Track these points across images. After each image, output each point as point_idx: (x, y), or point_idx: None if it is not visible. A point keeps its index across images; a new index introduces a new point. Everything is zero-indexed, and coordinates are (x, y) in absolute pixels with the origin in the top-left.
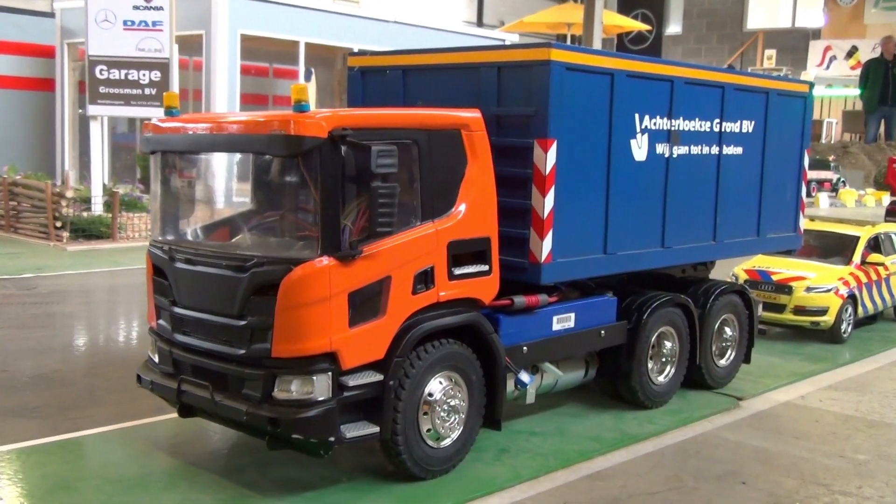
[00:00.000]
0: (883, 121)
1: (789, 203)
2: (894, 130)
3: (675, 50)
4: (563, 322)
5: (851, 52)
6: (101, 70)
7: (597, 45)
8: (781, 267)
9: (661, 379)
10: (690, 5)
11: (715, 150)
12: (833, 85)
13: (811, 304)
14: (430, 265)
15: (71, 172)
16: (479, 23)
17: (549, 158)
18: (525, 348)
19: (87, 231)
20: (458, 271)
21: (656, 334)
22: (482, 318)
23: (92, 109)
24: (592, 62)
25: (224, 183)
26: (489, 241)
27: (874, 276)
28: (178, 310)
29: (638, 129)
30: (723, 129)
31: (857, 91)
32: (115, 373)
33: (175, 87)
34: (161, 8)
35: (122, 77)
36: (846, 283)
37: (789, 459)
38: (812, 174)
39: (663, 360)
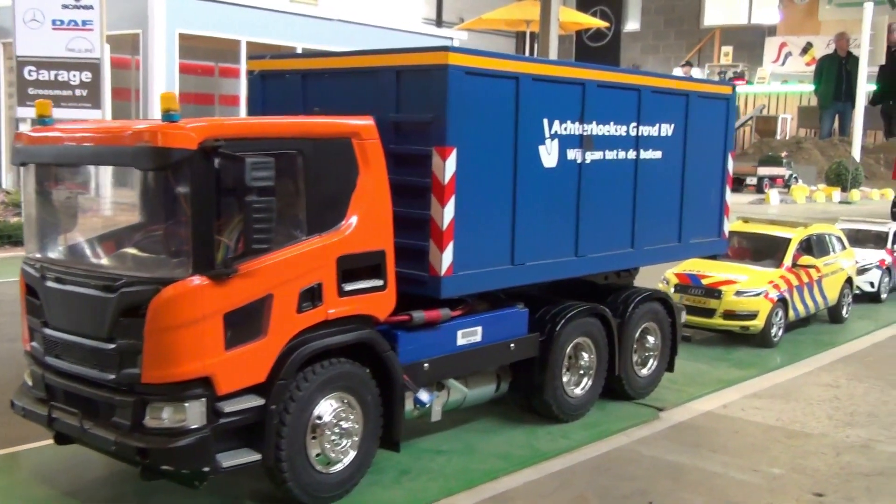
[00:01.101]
0: (837, 116)
1: (713, 207)
2: (848, 126)
3: (634, 46)
4: (469, 336)
5: (806, 49)
6: (31, 71)
7: (553, 42)
8: (713, 270)
9: (577, 391)
10: (648, 2)
11: (632, 154)
12: (788, 81)
13: (740, 308)
14: (317, 282)
15: (8, 175)
16: (439, 20)
17: (447, 167)
18: (426, 365)
19: (13, 237)
20: (349, 287)
21: (572, 345)
22: (377, 336)
23: (20, 111)
24: (495, 66)
25: (95, 197)
26: (384, 255)
27: (805, 279)
28: (49, 331)
29: (547, 135)
30: (640, 133)
31: (812, 87)
32: (4, 395)
33: (107, 87)
34: (91, 7)
35: (52, 78)
36: (776, 287)
37: (702, 475)
38: (764, 171)
39: (581, 372)
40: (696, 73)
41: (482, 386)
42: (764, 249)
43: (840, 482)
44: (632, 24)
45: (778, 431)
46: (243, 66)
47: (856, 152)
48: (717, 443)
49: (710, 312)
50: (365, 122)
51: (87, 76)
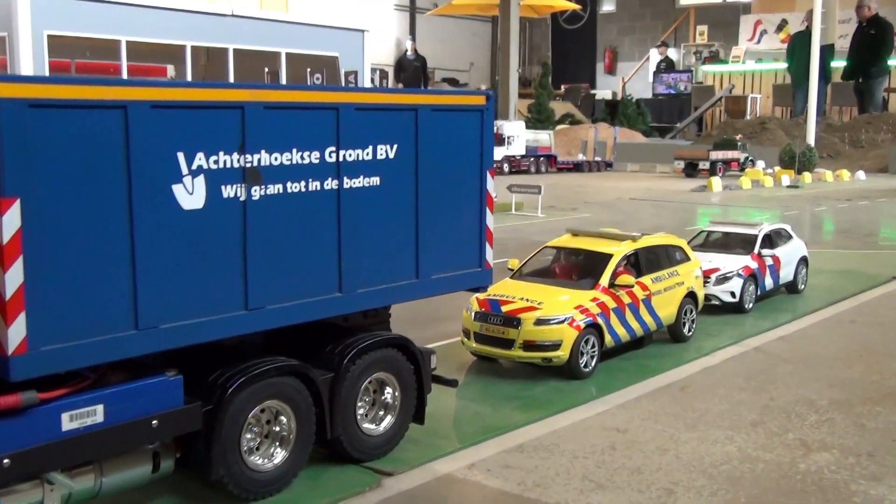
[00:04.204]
0: None
1: (468, 235)
2: (823, 103)
3: (610, 28)
4: (83, 418)
5: (781, 26)
6: None
7: (514, 27)
8: (519, 294)
9: (267, 465)
10: None
11: (331, 184)
12: (763, 59)
13: (542, 338)
14: None
15: None
16: (413, 6)
17: (6, 223)
18: (7, 461)
19: None
20: None
21: (257, 411)
22: None
23: None
24: (82, 94)
25: None
26: None
27: (626, 300)
28: None
29: (186, 171)
30: (342, 159)
31: (786, 64)
32: None
33: None
34: None
35: None
36: (585, 312)
37: None
38: (717, 155)
39: (278, 441)
40: (671, 53)
41: (128, 469)
42: (585, 267)
43: None
44: (607, 6)
45: (510, 501)
46: (124, 64)
47: (810, 133)
48: None
49: (509, 343)
50: None
51: None
